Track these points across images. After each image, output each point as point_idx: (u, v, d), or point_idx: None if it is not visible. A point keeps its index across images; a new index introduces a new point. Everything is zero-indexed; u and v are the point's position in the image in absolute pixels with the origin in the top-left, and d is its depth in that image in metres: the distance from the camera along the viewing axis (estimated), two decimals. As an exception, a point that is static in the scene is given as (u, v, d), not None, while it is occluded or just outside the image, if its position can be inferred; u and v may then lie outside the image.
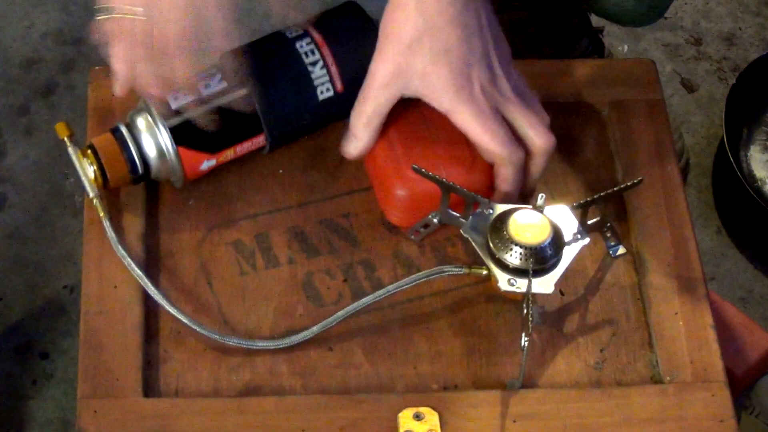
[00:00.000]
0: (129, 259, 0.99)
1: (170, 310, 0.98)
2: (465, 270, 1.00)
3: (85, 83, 1.12)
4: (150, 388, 0.97)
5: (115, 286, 1.00)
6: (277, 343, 0.98)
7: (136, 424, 0.94)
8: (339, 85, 1.07)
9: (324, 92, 1.06)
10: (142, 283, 0.99)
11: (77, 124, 1.06)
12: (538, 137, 1.01)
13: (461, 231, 1.01)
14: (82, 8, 1.73)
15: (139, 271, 0.98)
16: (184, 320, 0.97)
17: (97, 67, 1.13)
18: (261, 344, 0.98)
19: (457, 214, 1.04)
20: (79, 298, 1.00)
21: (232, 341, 0.98)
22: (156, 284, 1.01)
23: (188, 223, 1.05)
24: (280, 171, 1.09)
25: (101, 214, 1.00)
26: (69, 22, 1.72)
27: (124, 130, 1.02)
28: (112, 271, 1.00)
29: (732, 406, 0.98)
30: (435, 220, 1.06)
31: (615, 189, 1.03)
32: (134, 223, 1.04)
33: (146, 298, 0.99)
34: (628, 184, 1.03)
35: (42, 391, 1.45)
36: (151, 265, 1.03)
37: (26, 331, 1.48)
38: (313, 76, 1.06)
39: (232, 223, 1.06)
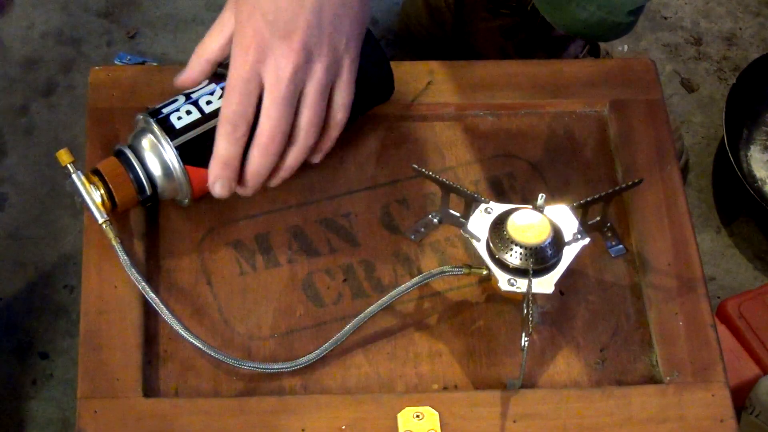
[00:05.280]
0: (144, 283, 0.97)
1: (189, 338, 0.96)
2: (465, 270, 1.00)
3: (85, 83, 1.12)
4: (150, 388, 0.97)
5: (115, 287, 1.00)
6: (294, 364, 0.97)
7: (136, 424, 0.94)
8: (338, 89, 1.07)
9: None
10: (157, 308, 0.97)
11: (77, 124, 1.05)
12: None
13: (461, 231, 1.00)
14: (82, 8, 1.73)
15: (153, 295, 0.97)
16: (200, 346, 0.96)
17: (97, 67, 1.12)
18: (277, 367, 0.97)
19: (457, 214, 1.04)
20: (79, 298, 1.00)
21: (247, 366, 0.97)
22: (156, 284, 1.01)
23: (188, 223, 1.05)
24: (280, 171, 1.09)
25: (112, 239, 0.99)
26: (69, 22, 1.72)
27: (128, 151, 1.01)
28: (112, 271, 1.00)
29: (732, 406, 0.98)
30: (435, 220, 1.06)
31: (615, 189, 1.03)
32: (134, 223, 1.04)
33: (146, 298, 0.99)
34: (628, 184, 1.03)
35: (42, 391, 1.44)
36: (151, 265, 1.03)
37: (26, 331, 1.48)
38: None
39: (232, 223, 1.06)
